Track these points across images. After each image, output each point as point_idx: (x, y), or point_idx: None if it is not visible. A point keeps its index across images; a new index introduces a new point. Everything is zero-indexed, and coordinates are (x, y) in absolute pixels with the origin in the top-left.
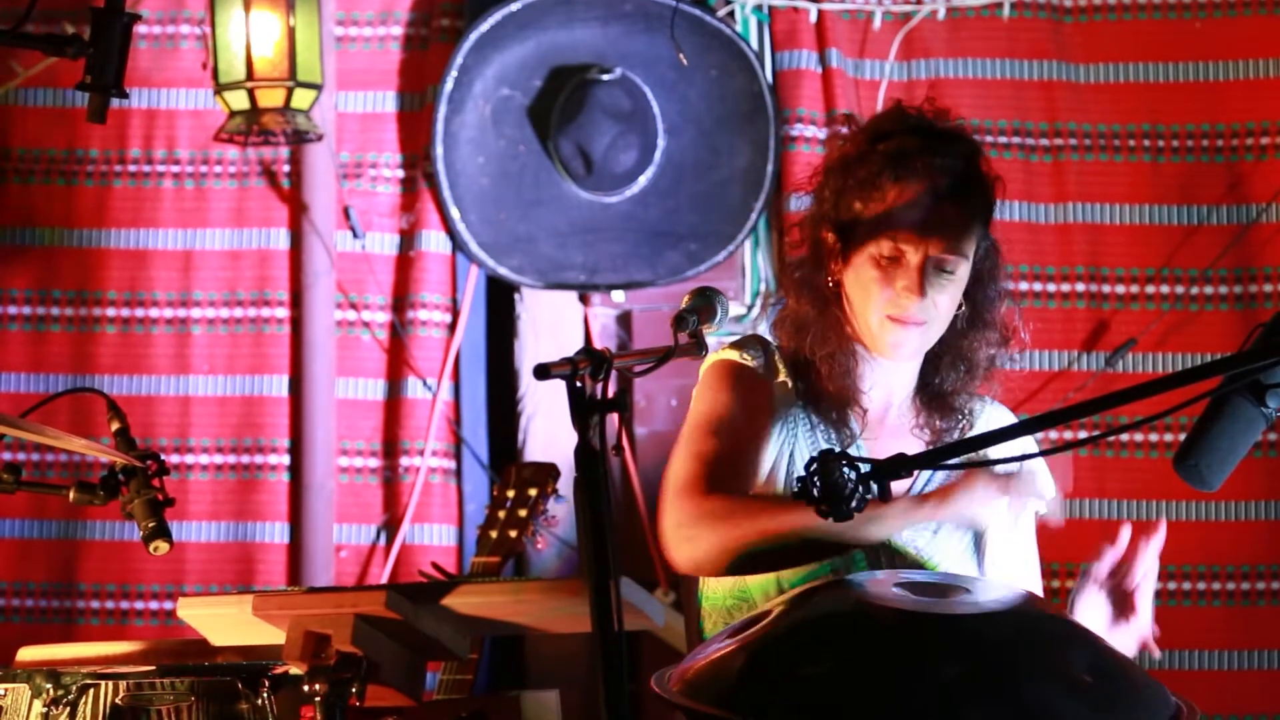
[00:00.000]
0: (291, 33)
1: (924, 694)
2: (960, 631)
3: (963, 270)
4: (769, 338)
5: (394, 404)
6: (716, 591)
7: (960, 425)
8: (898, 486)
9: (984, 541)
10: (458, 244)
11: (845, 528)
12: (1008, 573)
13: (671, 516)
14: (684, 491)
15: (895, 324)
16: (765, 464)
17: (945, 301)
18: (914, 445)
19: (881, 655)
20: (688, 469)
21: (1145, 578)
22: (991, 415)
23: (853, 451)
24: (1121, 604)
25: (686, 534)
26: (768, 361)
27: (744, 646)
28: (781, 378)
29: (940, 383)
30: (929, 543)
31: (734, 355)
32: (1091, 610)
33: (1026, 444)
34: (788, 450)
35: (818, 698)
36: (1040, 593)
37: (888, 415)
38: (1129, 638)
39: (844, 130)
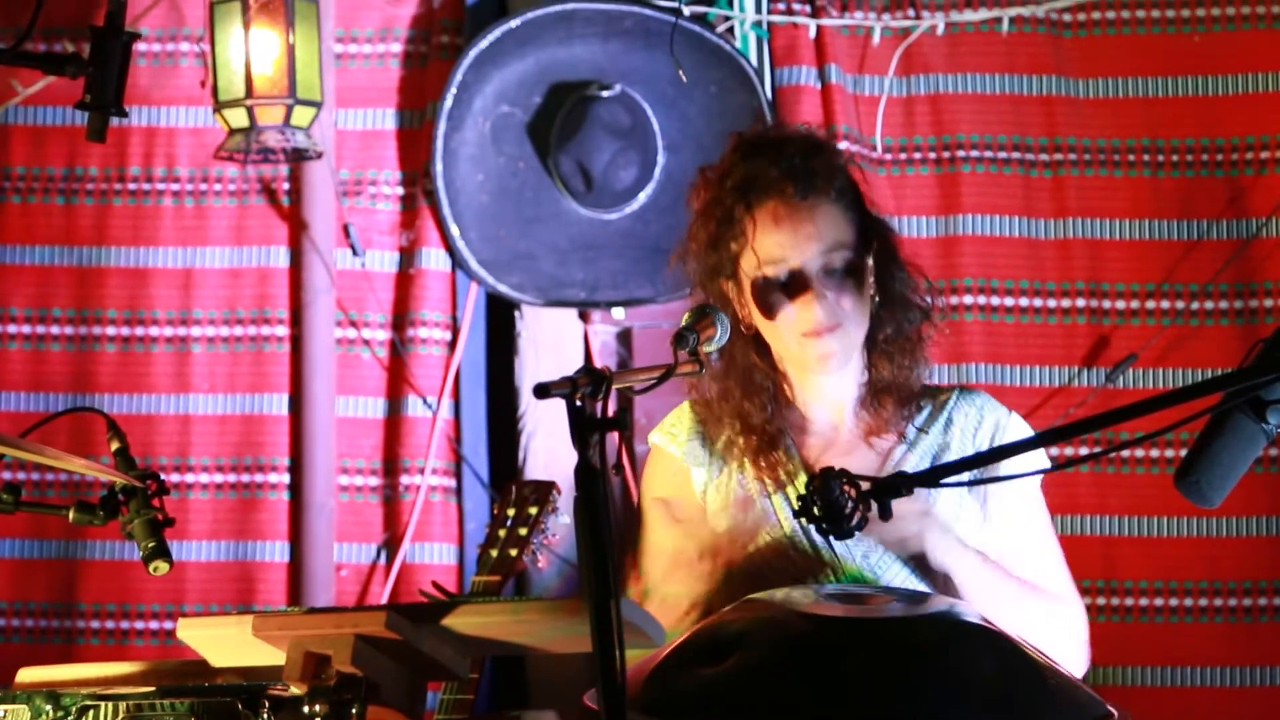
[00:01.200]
0: (291, 50)
1: (816, 692)
2: (866, 635)
3: (854, 263)
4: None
5: (394, 422)
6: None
7: (908, 413)
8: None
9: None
10: (457, 261)
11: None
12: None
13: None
14: (644, 592)
15: (811, 338)
16: (712, 524)
17: (849, 299)
18: (865, 453)
19: (781, 656)
20: (651, 568)
21: None
22: (961, 406)
23: (801, 485)
24: None
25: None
26: (682, 436)
27: (667, 651)
28: (696, 449)
29: (878, 374)
30: (877, 561)
31: (654, 439)
32: None
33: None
34: (732, 492)
35: (711, 695)
36: (1062, 573)
37: (836, 432)
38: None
39: (699, 180)
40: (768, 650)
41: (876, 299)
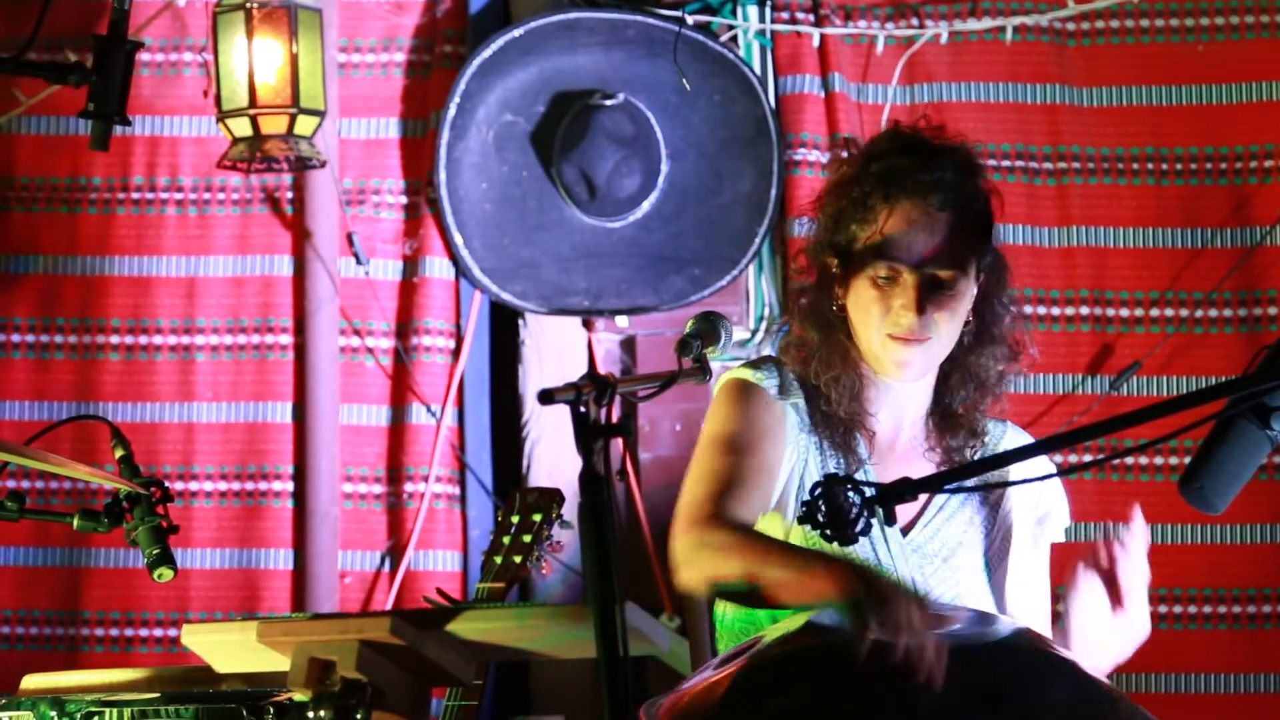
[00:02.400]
0: (294, 59)
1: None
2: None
3: (962, 286)
4: (782, 360)
5: (398, 430)
6: (728, 614)
7: (973, 445)
8: (906, 511)
9: (1001, 574)
10: (461, 270)
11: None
12: (1025, 605)
13: (678, 539)
14: (691, 516)
15: (896, 342)
16: (778, 485)
17: (946, 318)
18: (926, 468)
19: (855, 688)
20: (698, 490)
21: (1136, 566)
22: (1012, 439)
23: (861, 476)
24: (1115, 593)
25: (686, 558)
26: (781, 382)
27: (727, 676)
28: (794, 399)
29: (951, 401)
30: (935, 572)
31: (747, 374)
32: (1089, 599)
33: (1044, 466)
34: (798, 474)
35: None
36: (1048, 623)
37: (898, 439)
38: (1127, 627)
39: (844, 154)
40: (834, 683)
41: (972, 328)
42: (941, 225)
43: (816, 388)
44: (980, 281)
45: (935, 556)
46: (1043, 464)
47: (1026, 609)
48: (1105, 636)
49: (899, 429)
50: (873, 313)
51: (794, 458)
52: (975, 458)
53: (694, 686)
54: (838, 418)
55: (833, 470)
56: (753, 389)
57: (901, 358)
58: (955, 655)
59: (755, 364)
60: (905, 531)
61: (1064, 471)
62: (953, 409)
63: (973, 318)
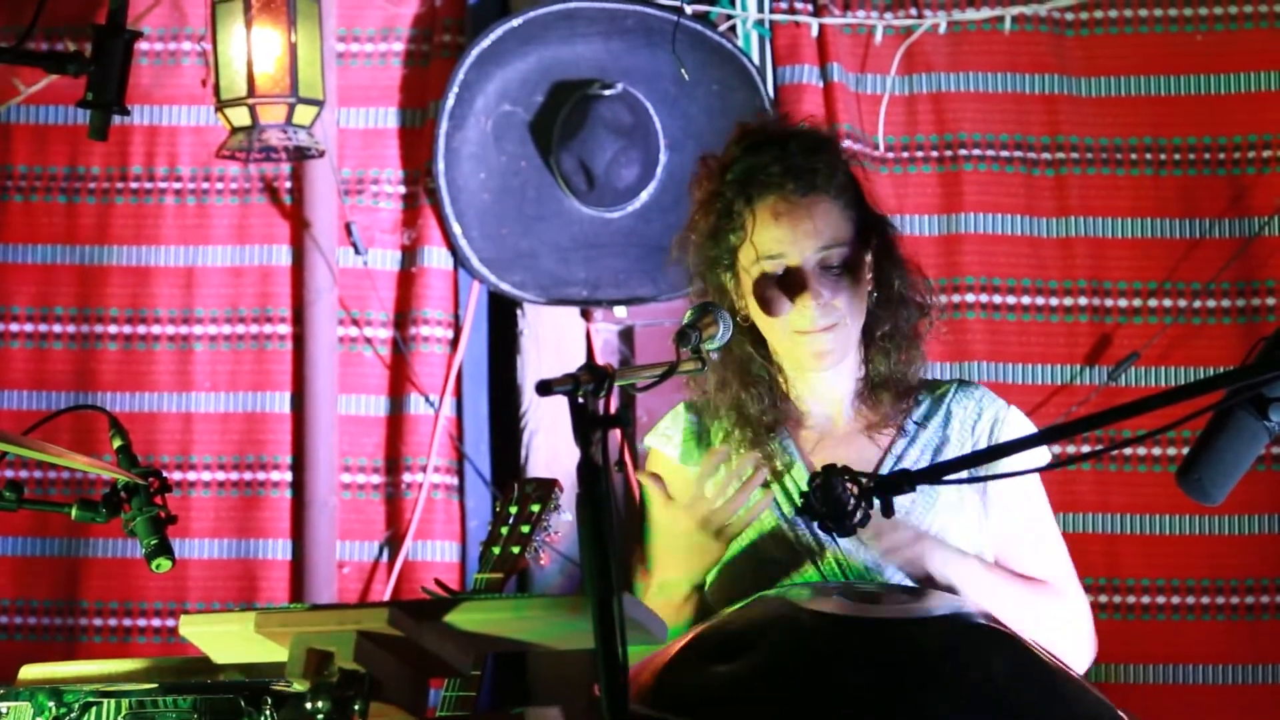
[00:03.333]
0: (293, 49)
1: (828, 693)
2: (880, 636)
3: (852, 261)
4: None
5: (396, 420)
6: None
7: (906, 406)
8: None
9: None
10: (460, 260)
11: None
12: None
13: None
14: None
15: (805, 336)
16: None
17: (846, 297)
18: (868, 445)
19: (795, 656)
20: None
21: None
22: (960, 399)
23: (800, 473)
24: None
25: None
26: (678, 441)
27: (677, 647)
28: (691, 450)
29: (875, 371)
30: (881, 566)
31: (651, 442)
32: None
33: (1039, 455)
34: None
35: (723, 693)
36: (1064, 564)
37: (832, 424)
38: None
39: (701, 170)
40: (781, 650)
41: (874, 295)
42: (808, 209)
43: (717, 414)
44: (872, 248)
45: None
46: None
47: (1030, 557)
48: None
49: (833, 414)
50: (775, 314)
51: (717, 490)
52: (911, 418)
53: (650, 660)
54: (745, 433)
55: (762, 477)
56: (659, 465)
57: (816, 349)
58: (898, 629)
59: (657, 427)
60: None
61: (1061, 463)
62: (879, 377)
63: (874, 286)
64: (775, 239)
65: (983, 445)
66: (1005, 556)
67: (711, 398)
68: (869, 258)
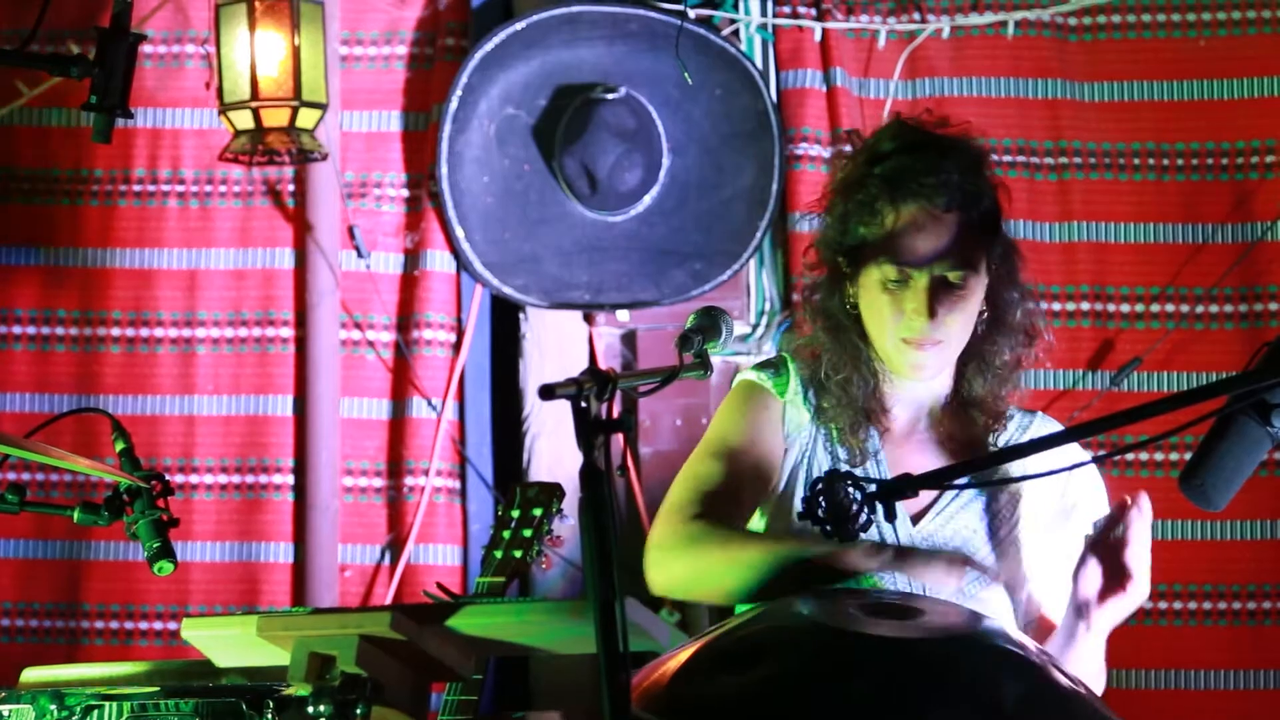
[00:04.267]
0: (296, 52)
1: (837, 711)
2: (893, 655)
3: (973, 284)
4: (794, 357)
5: (399, 424)
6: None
7: (994, 430)
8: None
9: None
10: (462, 263)
11: (816, 555)
12: (1044, 595)
13: (653, 536)
14: (669, 514)
15: (909, 346)
16: (776, 485)
17: (958, 318)
18: (942, 458)
19: (808, 670)
20: (679, 492)
21: (1139, 543)
22: (1041, 429)
23: (873, 468)
24: (1117, 570)
25: (659, 556)
26: (785, 382)
27: (686, 655)
28: (796, 398)
29: (968, 390)
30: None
31: (752, 376)
32: (1089, 576)
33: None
34: (801, 471)
35: (735, 705)
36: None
37: (915, 430)
38: (1127, 603)
39: (846, 149)
40: (792, 662)
41: (985, 315)
42: (949, 226)
43: (825, 385)
44: (991, 272)
45: (946, 545)
46: (1063, 457)
47: (1046, 599)
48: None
49: (916, 420)
50: (884, 316)
51: (796, 455)
52: (996, 444)
53: (655, 666)
54: (847, 415)
55: (840, 464)
56: (754, 391)
57: (916, 361)
58: (912, 647)
59: (763, 364)
60: (916, 520)
61: (1063, 468)
62: (971, 397)
63: (986, 307)
64: (909, 249)
65: (1055, 485)
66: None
67: (824, 374)
68: (987, 281)
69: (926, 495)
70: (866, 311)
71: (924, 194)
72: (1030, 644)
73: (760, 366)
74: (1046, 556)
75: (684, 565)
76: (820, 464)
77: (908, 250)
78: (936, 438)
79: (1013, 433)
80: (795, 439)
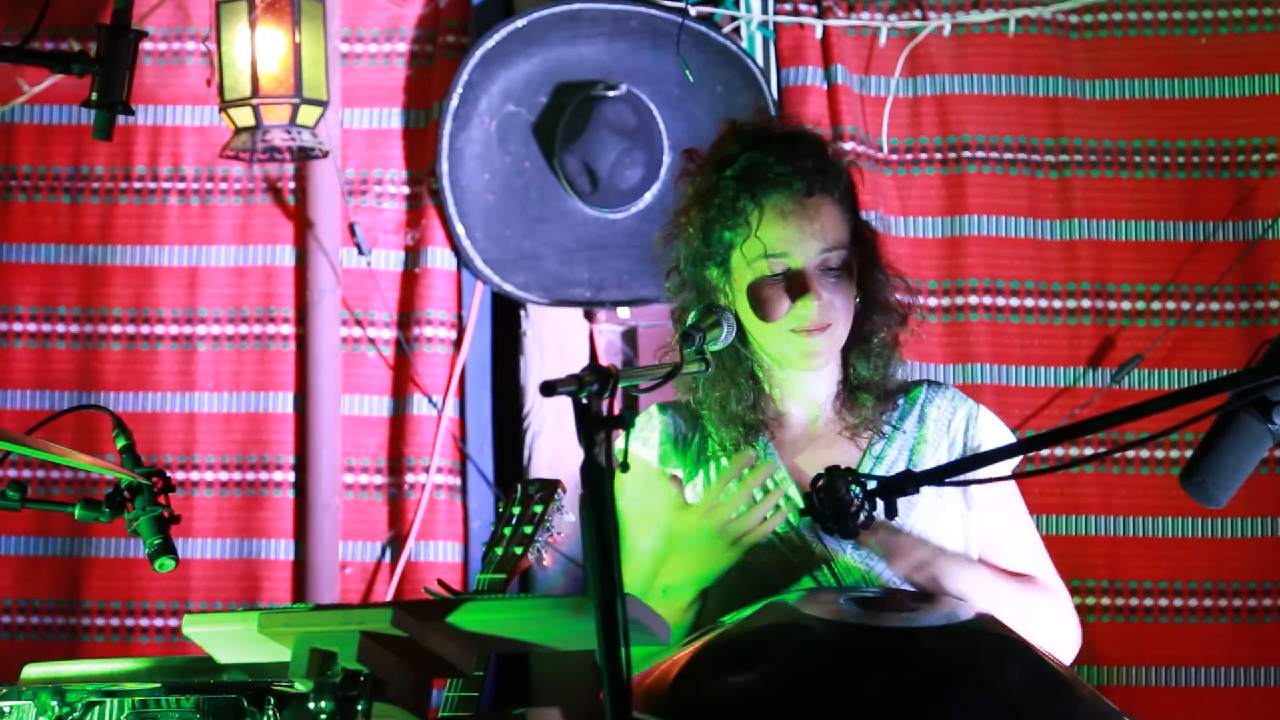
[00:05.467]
0: (297, 49)
1: (845, 705)
2: (895, 646)
3: (849, 262)
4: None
5: (399, 421)
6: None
7: (886, 411)
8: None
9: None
10: (463, 260)
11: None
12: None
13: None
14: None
15: (800, 335)
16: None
17: (841, 299)
18: (847, 448)
19: (810, 667)
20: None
21: None
22: (933, 398)
23: (782, 470)
24: None
25: None
26: (648, 440)
27: (687, 654)
28: (669, 452)
29: (855, 375)
30: (882, 570)
31: (630, 447)
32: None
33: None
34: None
35: (740, 704)
36: (1046, 560)
37: (814, 426)
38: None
39: (690, 165)
40: (796, 659)
41: (858, 300)
42: (813, 210)
43: (706, 405)
44: (857, 254)
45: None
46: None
47: (1014, 554)
48: None
49: (812, 416)
50: (770, 312)
51: (697, 495)
52: (888, 421)
53: (657, 667)
54: (727, 430)
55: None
56: (634, 466)
57: (808, 348)
58: (914, 638)
59: (631, 429)
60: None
61: (1064, 465)
62: (859, 381)
63: (858, 291)
64: (782, 238)
65: (958, 444)
66: (989, 553)
67: (698, 394)
68: (857, 263)
69: None
70: (748, 315)
71: (782, 181)
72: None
73: (629, 430)
74: (964, 525)
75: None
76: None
77: (780, 240)
78: (833, 428)
79: (904, 407)
80: (685, 486)
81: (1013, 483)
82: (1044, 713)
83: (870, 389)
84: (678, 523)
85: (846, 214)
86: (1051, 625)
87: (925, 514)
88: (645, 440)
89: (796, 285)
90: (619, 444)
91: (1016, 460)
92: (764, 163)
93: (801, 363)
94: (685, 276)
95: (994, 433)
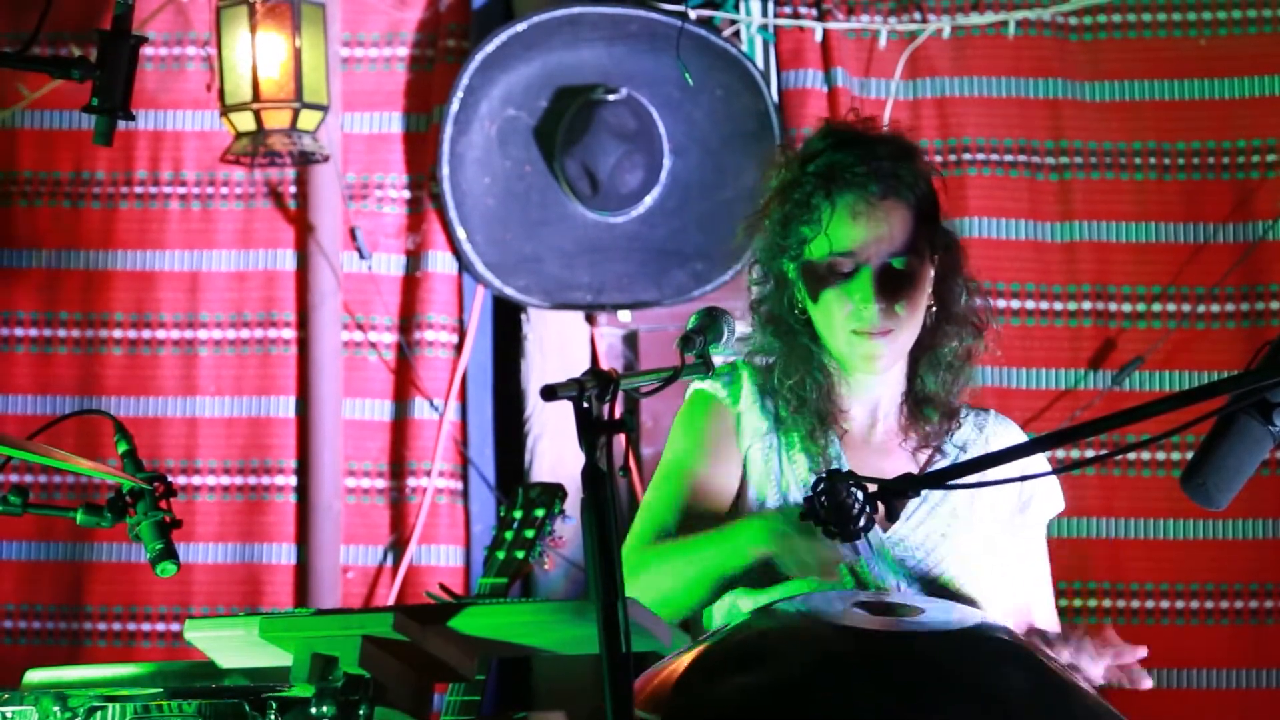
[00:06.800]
0: (297, 54)
1: (850, 708)
2: (900, 650)
3: (919, 272)
4: (748, 362)
5: (401, 425)
6: (716, 610)
7: (948, 428)
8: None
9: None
10: (464, 264)
11: (769, 552)
12: (1017, 592)
13: (625, 567)
14: (628, 546)
15: (861, 337)
16: (729, 498)
17: (907, 306)
18: (902, 457)
19: (815, 669)
20: (637, 523)
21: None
22: (997, 429)
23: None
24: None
25: (630, 586)
26: (740, 389)
27: (689, 658)
28: (753, 405)
29: (921, 386)
30: (918, 564)
31: (704, 386)
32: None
33: (1036, 462)
34: (769, 475)
35: (742, 707)
36: (1052, 612)
37: (873, 431)
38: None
39: (780, 158)
40: (798, 663)
41: (933, 310)
42: (886, 213)
43: (780, 391)
44: (936, 263)
45: (918, 549)
46: (1039, 461)
47: (1010, 595)
48: None
49: (873, 421)
50: (834, 310)
51: (756, 464)
52: (951, 441)
53: (657, 672)
54: (802, 420)
55: (802, 470)
56: (706, 403)
57: (868, 351)
58: (916, 643)
59: (716, 373)
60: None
61: (1065, 468)
62: (924, 394)
63: (933, 301)
64: (850, 237)
65: (1012, 486)
66: (1028, 604)
67: (776, 380)
68: (933, 272)
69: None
70: (815, 310)
71: (857, 182)
72: (1021, 636)
73: (714, 376)
74: (1000, 548)
75: (651, 590)
76: (782, 471)
77: (848, 239)
78: (894, 438)
79: (969, 431)
80: (754, 446)
81: (1042, 529)
82: (1045, 717)
83: (934, 403)
84: (798, 548)
85: (921, 221)
86: None
87: (955, 540)
88: (729, 388)
89: (859, 286)
90: (622, 446)
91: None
92: (843, 162)
93: (862, 365)
94: (765, 269)
95: (1046, 483)
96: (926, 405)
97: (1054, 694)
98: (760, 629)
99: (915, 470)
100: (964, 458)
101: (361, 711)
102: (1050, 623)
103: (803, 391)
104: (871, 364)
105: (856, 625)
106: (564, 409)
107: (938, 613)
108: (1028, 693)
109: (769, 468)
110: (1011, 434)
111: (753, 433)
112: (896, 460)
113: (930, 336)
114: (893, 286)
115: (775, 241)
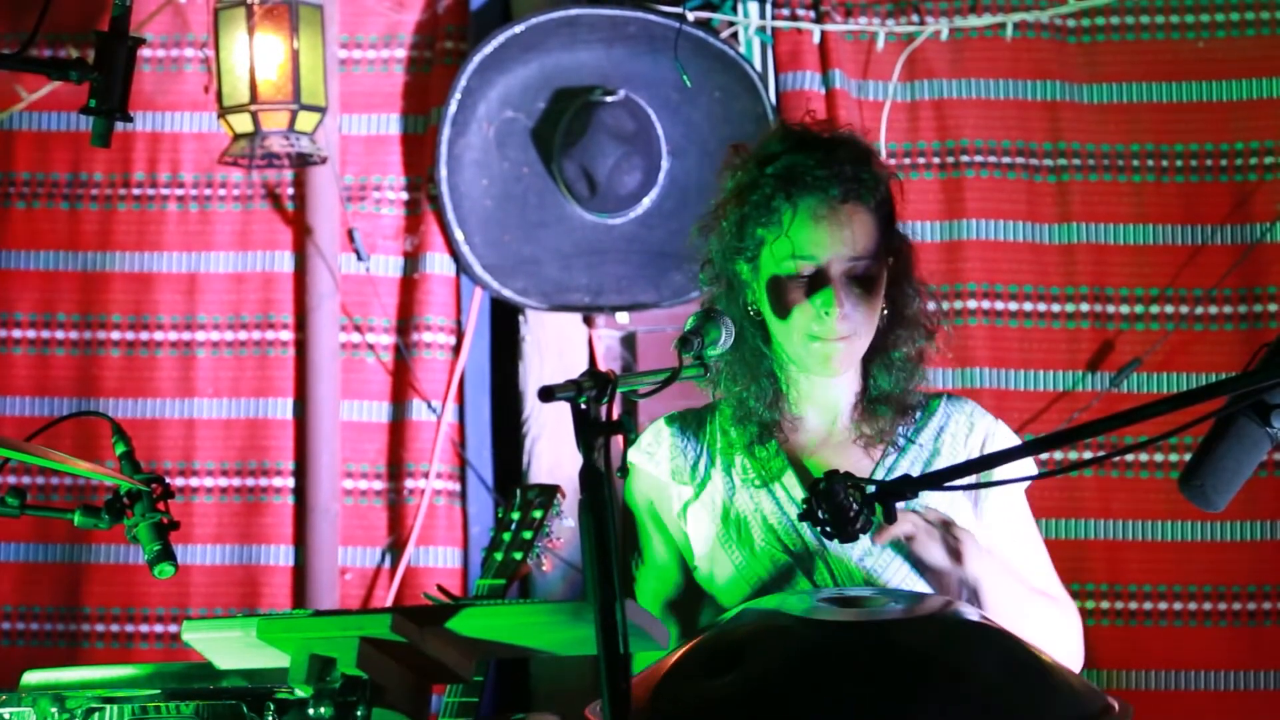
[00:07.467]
0: (295, 56)
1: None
2: (869, 638)
3: (877, 274)
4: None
5: (398, 426)
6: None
7: (904, 424)
8: None
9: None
10: (462, 266)
11: None
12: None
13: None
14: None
15: (819, 342)
16: (674, 562)
17: (865, 309)
18: (860, 457)
19: (786, 664)
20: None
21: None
22: (991, 430)
23: (788, 480)
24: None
25: None
26: (657, 453)
27: (668, 661)
28: (679, 468)
29: (875, 386)
30: (875, 560)
31: (637, 458)
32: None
33: (1027, 465)
34: (723, 516)
35: (718, 707)
36: (1049, 580)
37: (831, 432)
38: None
39: (734, 159)
40: (772, 660)
41: (885, 312)
42: (849, 217)
43: (727, 401)
44: (889, 266)
45: (901, 547)
46: (1026, 463)
47: (1023, 564)
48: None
49: (830, 422)
50: (792, 314)
51: (701, 520)
52: (909, 436)
53: (639, 675)
54: (745, 427)
55: (753, 483)
56: (644, 481)
57: (827, 354)
58: (887, 631)
59: (640, 441)
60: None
61: (1064, 469)
62: (879, 394)
63: (886, 304)
64: (812, 240)
65: (1010, 481)
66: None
67: (718, 386)
68: (886, 275)
69: None
70: (770, 316)
71: (818, 186)
72: (995, 621)
73: (638, 447)
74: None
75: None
76: (734, 496)
77: (809, 243)
78: (851, 438)
79: (941, 419)
80: (690, 505)
81: (1023, 497)
82: (1019, 698)
83: (889, 402)
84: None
85: (880, 225)
86: (1065, 635)
87: None
88: (652, 455)
89: (820, 289)
90: (620, 447)
91: (1027, 468)
92: (804, 164)
93: (819, 368)
94: (718, 269)
95: (1000, 474)
96: (881, 404)
97: (1029, 674)
98: (735, 629)
99: (871, 465)
100: (915, 449)
101: (359, 712)
102: (1050, 589)
103: (746, 400)
104: (828, 367)
105: (828, 618)
106: (562, 410)
107: (904, 601)
108: (1000, 673)
109: (715, 511)
110: (965, 416)
111: (679, 497)
112: (852, 458)
113: (882, 339)
114: (851, 290)
115: (731, 243)
